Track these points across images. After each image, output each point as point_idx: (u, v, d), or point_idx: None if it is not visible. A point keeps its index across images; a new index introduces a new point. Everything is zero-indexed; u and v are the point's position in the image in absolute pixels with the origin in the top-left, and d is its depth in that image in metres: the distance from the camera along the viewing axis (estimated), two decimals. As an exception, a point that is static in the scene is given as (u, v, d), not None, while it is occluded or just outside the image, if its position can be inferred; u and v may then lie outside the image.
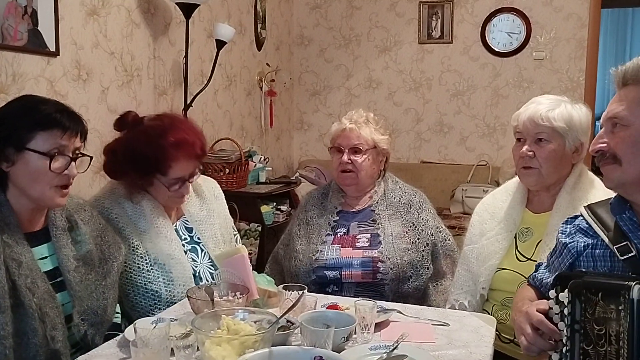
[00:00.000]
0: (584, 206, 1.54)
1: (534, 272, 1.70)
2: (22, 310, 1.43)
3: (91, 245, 1.68)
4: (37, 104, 1.56)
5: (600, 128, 1.43)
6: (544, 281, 1.61)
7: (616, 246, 1.36)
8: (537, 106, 1.89)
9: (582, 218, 1.53)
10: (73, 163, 1.56)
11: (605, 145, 1.38)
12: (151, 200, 1.96)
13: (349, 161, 2.28)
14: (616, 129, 1.36)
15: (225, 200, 2.24)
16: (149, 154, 1.86)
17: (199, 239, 2.06)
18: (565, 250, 1.50)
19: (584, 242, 1.46)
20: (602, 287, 1.24)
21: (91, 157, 1.65)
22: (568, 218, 1.59)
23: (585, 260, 1.44)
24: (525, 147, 1.89)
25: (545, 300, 1.38)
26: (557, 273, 1.43)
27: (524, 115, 1.90)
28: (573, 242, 1.49)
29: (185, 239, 2.03)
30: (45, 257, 1.59)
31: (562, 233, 1.56)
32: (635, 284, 1.19)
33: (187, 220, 2.07)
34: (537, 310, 1.37)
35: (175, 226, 2.02)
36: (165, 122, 1.93)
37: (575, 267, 1.46)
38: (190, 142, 1.90)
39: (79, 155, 1.59)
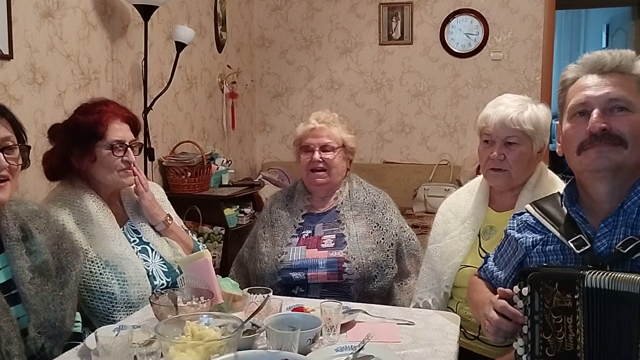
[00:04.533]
0: (530, 203, 1.56)
1: (484, 264, 1.72)
2: None
3: (47, 254, 1.59)
4: None
5: (582, 114, 1.38)
6: (494, 274, 1.64)
7: (570, 240, 1.38)
8: (507, 109, 1.88)
9: (528, 214, 1.54)
10: (1, 154, 1.45)
11: (607, 125, 1.34)
12: (97, 202, 1.94)
13: (321, 159, 2.28)
14: (621, 112, 1.35)
15: (169, 202, 2.23)
16: (86, 121, 1.94)
17: (147, 239, 2.05)
18: (516, 245, 1.53)
19: (533, 238, 1.49)
20: (559, 277, 1.27)
21: (29, 147, 1.55)
22: (514, 215, 1.61)
23: (537, 256, 1.46)
24: (495, 151, 1.89)
25: (508, 289, 1.38)
26: (520, 269, 1.45)
27: (494, 118, 1.89)
28: (522, 237, 1.51)
29: (135, 240, 2.02)
30: None
31: (511, 228, 1.58)
32: (589, 272, 1.23)
33: (132, 224, 2.06)
34: (499, 297, 1.38)
35: (123, 230, 2.01)
36: (94, 100, 2.08)
37: (527, 263, 1.48)
38: (117, 105, 2.06)
39: (10, 145, 1.47)
